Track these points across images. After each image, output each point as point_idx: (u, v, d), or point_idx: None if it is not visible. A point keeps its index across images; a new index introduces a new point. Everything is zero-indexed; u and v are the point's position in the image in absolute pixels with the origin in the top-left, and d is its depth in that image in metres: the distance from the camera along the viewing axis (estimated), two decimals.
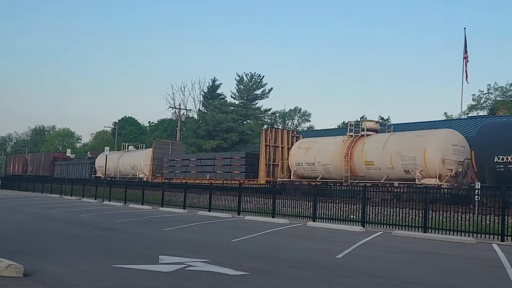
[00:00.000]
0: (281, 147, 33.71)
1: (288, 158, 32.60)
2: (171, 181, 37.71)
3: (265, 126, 68.30)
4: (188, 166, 39.34)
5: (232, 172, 34.56)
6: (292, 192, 25.23)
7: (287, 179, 31.69)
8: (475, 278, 9.69)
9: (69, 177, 52.06)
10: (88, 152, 72.60)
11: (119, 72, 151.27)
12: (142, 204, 28.71)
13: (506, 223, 15.09)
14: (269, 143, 33.27)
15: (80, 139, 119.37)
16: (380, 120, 71.49)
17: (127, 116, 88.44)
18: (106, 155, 40.22)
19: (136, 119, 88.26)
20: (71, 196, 38.06)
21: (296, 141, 33.63)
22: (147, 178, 42.64)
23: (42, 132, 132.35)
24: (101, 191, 34.45)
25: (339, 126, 69.99)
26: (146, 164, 43.89)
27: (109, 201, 32.14)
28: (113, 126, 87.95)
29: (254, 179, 32.55)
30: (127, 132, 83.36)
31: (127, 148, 51.70)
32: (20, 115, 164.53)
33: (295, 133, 37.14)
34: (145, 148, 50.81)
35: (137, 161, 46.12)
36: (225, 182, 33.53)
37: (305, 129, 79.00)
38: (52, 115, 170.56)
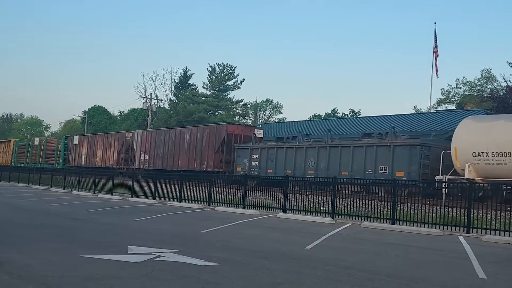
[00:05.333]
0: None
1: None
2: None
3: (237, 118, 68.37)
4: None
5: None
6: None
7: None
8: (441, 269, 9.87)
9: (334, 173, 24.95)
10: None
11: (89, 60, 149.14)
12: (112, 194, 28.44)
13: (471, 215, 15.38)
14: None
15: (49, 128, 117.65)
16: (351, 113, 72.13)
17: (97, 105, 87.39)
18: None
19: (106, 108, 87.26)
20: (39, 185, 37.42)
21: None
22: None
23: (9, 120, 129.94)
24: (70, 181, 33.99)
25: (310, 118, 70.39)
26: None
27: (78, 190, 31.72)
28: (82, 115, 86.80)
29: None
30: (96, 121, 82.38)
31: None
32: None
33: None
34: None
35: None
36: None
37: (277, 121, 79.22)
38: (20, 103, 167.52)
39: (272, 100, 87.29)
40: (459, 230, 15.34)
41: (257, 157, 30.41)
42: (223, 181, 25.95)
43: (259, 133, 34.16)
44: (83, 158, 48.37)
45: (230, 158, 32.35)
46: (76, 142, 47.08)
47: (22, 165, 55.35)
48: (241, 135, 33.27)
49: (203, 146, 34.06)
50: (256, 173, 29.85)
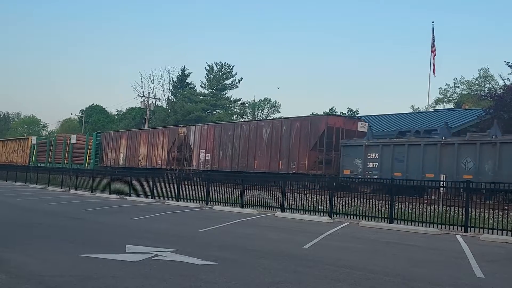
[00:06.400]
0: None
1: None
2: None
3: (235, 117, 68.41)
4: None
5: None
6: None
7: None
8: (439, 268, 9.87)
9: None
10: None
11: (87, 59, 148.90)
12: (109, 193, 28.41)
13: (469, 215, 15.39)
14: None
15: (46, 127, 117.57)
16: (349, 112, 72.11)
17: (95, 104, 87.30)
18: None
19: (104, 107, 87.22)
20: (37, 184, 37.36)
21: None
22: None
23: (7, 119, 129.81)
24: (68, 180, 33.92)
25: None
26: None
27: (76, 189, 31.70)
28: (80, 114, 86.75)
29: None
30: (94, 120, 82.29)
31: None
32: None
33: None
34: None
35: None
36: None
37: None
38: (17, 102, 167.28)
39: (270, 99, 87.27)
40: (457, 229, 15.34)
41: (377, 156, 24.12)
42: (323, 186, 20.78)
43: (362, 127, 27.74)
44: (121, 158, 41.66)
45: (330, 158, 26.53)
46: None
47: (42, 165, 50.32)
48: (343, 129, 27.07)
49: (291, 143, 28.05)
50: (375, 176, 23.62)
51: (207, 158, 33.12)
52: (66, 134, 57.19)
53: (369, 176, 23.73)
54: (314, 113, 75.39)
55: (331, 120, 27.42)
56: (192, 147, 34.93)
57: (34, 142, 54.06)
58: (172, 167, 35.21)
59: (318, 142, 26.81)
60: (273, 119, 31.18)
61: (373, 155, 24.43)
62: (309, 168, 26.65)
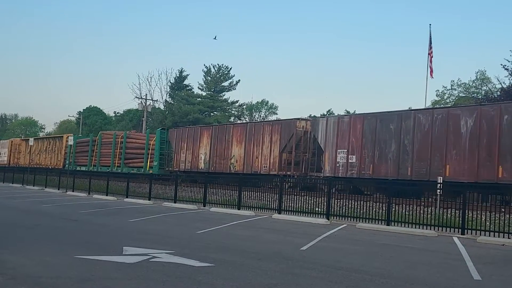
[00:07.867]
0: None
1: None
2: None
3: (232, 118, 68.44)
4: None
5: None
6: None
7: None
8: (436, 270, 9.88)
9: None
10: None
11: (85, 61, 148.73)
12: (107, 195, 28.38)
13: (466, 217, 15.42)
14: None
15: (44, 128, 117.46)
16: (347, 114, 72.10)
17: (92, 106, 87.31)
18: None
19: (101, 109, 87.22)
20: (34, 186, 37.32)
21: None
22: None
23: (4, 120, 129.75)
24: (65, 181, 33.87)
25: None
26: None
27: (73, 191, 31.64)
28: (77, 116, 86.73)
29: None
30: (91, 122, 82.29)
31: None
32: None
33: None
34: None
35: None
36: None
37: None
38: (15, 103, 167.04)
39: (268, 101, 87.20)
40: (454, 231, 15.37)
41: None
42: None
43: None
44: (202, 160, 33.47)
45: None
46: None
47: (83, 168, 42.86)
48: None
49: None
50: None
51: (350, 161, 25.10)
52: (117, 131, 48.55)
53: None
54: (312, 115, 75.50)
55: None
56: (322, 147, 26.67)
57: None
58: (289, 173, 27.61)
59: None
60: (480, 104, 21.50)
61: None
62: None
